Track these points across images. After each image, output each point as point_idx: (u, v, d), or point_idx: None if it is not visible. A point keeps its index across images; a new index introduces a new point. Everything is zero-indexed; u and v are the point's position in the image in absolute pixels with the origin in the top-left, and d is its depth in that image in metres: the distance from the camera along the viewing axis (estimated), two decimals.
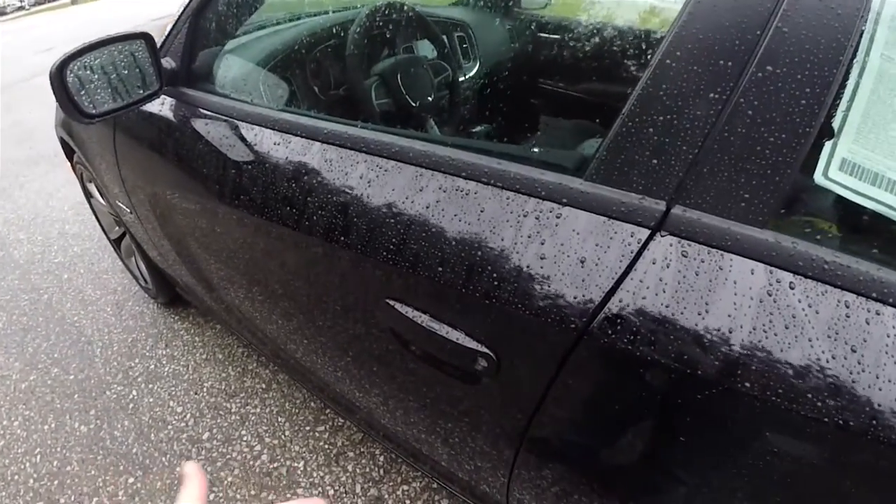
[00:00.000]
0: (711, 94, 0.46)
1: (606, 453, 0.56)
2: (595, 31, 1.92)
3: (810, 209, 0.47)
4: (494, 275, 0.55)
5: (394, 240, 0.62)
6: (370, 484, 1.28)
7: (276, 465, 1.36)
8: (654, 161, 0.48)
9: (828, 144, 0.43)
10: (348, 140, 0.70)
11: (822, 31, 0.44)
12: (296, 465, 1.35)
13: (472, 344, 0.57)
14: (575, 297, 0.50)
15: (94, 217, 1.98)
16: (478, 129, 1.39)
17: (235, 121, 0.87)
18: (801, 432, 0.41)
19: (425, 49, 1.49)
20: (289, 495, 1.28)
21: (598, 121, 1.22)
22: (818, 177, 0.43)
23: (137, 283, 1.98)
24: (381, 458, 1.33)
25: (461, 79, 1.56)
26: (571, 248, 0.50)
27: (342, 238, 0.67)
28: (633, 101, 0.49)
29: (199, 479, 0.36)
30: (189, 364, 1.69)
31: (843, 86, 0.43)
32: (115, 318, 1.90)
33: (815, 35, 0.44)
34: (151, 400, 1.58)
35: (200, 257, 1.16)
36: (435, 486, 1.26)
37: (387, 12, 1.37)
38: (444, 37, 1.51)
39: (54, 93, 0.87)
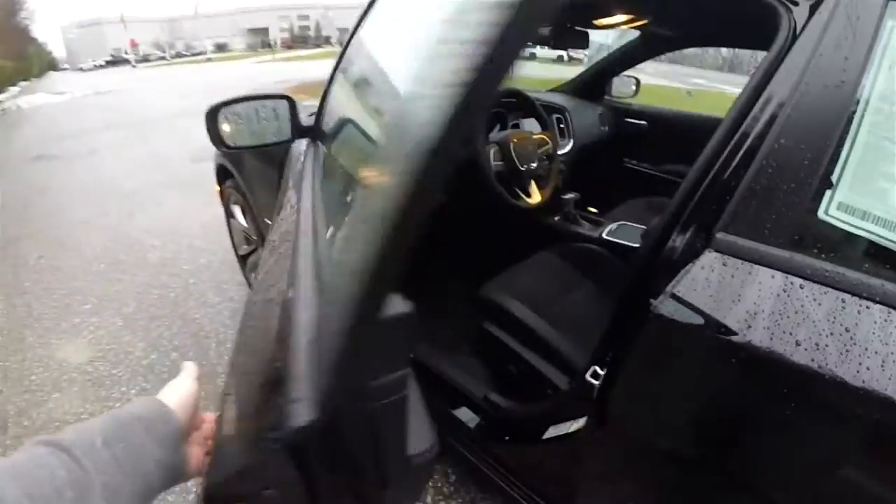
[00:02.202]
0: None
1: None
2: (675, 117, 2.16)
3: (816, 235, 0.60)
4: None
5: None
6: (440, 498, 1.40)
7: None
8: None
9: (828, 192, 0.57)
10: None
11: (822, 113, 0.59)
12: None
13: None
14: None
15: (228, 234, 2.33)
16: (570, 195, 1.60)
17: None
18: (801, 403, 0.54)
19: (530, 126, 1.76)
20: None
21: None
22: (821, 214, 0.58)
23: None
24: (453, 477, 1.45)
25: (559, 152, 1.80)
26: None
27: None
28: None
29: (192, 368, 0.51)
30: None
31: (838, 149, 0.57)
32: (231, 321, 2.18)
33: (818, 115, 0.59)
34: None
35: None
36: None
37: (504, 94, 1.67)
38: (546, 116, 1.77)
39: (207, 125, 1.09)
